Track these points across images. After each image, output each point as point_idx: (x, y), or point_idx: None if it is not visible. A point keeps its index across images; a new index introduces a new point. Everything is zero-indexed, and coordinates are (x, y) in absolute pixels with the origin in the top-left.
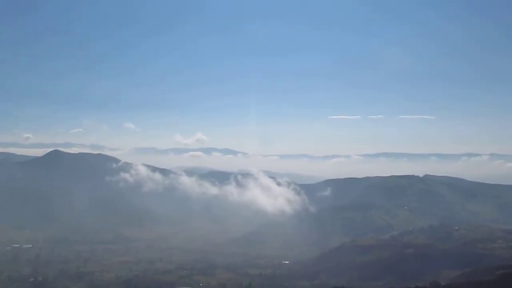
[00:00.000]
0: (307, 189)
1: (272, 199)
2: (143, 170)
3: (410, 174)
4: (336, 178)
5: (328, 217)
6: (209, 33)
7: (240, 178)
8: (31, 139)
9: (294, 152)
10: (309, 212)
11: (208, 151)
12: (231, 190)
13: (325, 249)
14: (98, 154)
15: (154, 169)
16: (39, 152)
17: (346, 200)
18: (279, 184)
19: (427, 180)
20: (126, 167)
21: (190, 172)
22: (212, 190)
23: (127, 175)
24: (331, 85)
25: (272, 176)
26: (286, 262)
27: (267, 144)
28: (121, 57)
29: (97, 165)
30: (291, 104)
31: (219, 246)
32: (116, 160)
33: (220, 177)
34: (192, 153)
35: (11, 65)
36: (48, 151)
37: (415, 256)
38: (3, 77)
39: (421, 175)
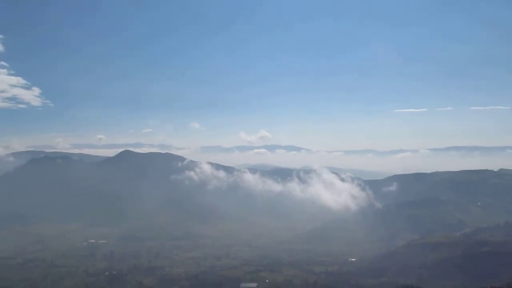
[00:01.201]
0: (372, 184)
1: (336, 195)
2: (207, 168)
3: (483, 168)
4: (403, 173)
5: (395, 213)
6: (272, 30)
7: (303, 174)
8: (103, 140)
9: (359, 147)
10: (374, 208)
11: (272, 148)
12: (294, 186)
13: (392, 246)
14: (166, 153)
15: (218, 167)
16: (111, 152)
17: (413, 196)
18: (342, 180)
19: (503, 175)
20: (192, 165)
21: (253, 169)
22: (276, 187)
23: (192, 173)
24: (396, 78)
25: (335, 172)
26: (353, 259)
27: (331, 140)
28: (186, 57)
29: (164, 164)
30: (356, 99)
31: (284, 242)
32: (182, 159)
33: (283, 174)
34: (256, 150)
35: (84, 69)
36: (119, 151)
37: (490, 255)
38: (76, 81)
39: (495, 169)
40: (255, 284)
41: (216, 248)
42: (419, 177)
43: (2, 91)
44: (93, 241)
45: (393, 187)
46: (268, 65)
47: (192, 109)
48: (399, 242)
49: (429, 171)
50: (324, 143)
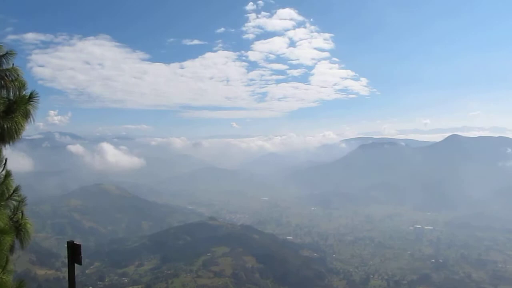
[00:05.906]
0: None
1: None
2: None
3: None
4: None
5: None
6: None
7: None
8: (429, 125)
9: None
10: None
11: None
12: None
13: None
14: (499, 136)
15: None
16: (437, 137)
17: None
18: None
19: None
20: None
21: None
22: None
23: None
24: None
25: None
26: None
27: None
28: None
29: (493, 149)
30: None
31: None
32: None
33: None
34: None
35: (405, 55)
36: (446, 136)
37: None
38: (400, 68)
39: None
40: None
41: None
42: None
43: (335, 84)
44: (419, 226)
45: None
46: None
47: None
48: None
49: None
50: None
